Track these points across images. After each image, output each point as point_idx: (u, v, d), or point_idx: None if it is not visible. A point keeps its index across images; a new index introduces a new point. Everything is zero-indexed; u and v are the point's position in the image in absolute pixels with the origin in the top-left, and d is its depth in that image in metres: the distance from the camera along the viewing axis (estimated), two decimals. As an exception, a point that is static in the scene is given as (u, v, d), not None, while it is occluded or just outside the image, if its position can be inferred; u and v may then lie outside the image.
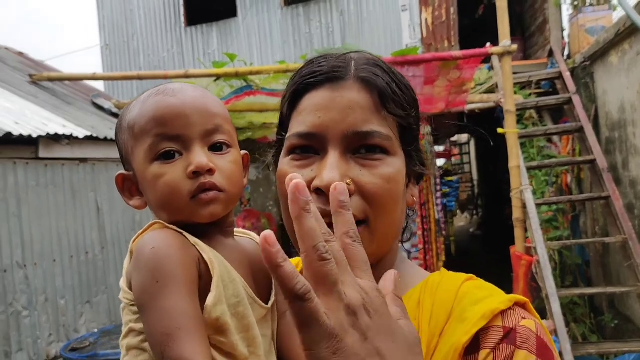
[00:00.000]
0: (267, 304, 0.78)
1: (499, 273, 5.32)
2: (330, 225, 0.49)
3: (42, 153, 4.52)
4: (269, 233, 0.44)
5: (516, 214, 4.32)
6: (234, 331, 0.71)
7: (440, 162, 10.72)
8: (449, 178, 9.13)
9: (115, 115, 6.32)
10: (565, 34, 6.86)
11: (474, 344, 0.67)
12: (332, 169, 0.70)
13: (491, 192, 11.89)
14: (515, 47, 4.23)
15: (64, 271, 4.77)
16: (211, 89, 4.68)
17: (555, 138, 6.03)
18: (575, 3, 6.46)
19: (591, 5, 6.31)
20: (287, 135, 0.77)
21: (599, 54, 5.32)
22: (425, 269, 4.50)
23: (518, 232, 4.32)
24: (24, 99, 5.45)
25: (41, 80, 6.13)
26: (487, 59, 5.30)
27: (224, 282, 0.72)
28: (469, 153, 15.31)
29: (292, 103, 0.78)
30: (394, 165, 0.74)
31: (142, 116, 0.78)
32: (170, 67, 8.93)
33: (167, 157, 0.76)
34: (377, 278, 0.76)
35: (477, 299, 0.71)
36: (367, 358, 0.43)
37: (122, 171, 0.84)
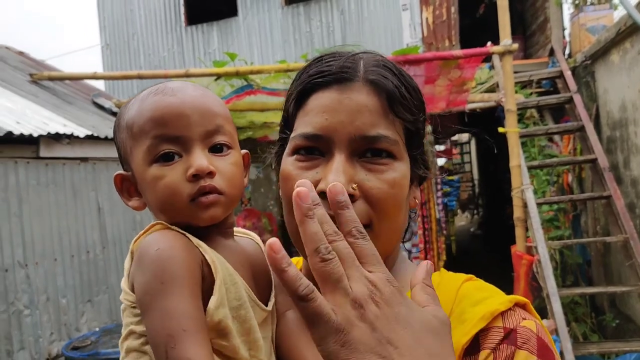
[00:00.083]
0: (267, 305, 0.78)
1: (500, 272, 5.32)
2: (333, 219, 0.55)
3: (43, 152, 4.53)
4: (273, 241, 0.47)
5: (517, 213, 4.32)
6: (236, 334, 0.70)
7: (441, 161, 10.71)
8: (450, 177, 9.13)
9: (115, 114, 6.32)
10: (566, 32, 6.85)
11: (474, 345, 0.67)
12: (337, 173, 0.69)
13: (492, 192, 11.89)
14: (516, 46, 4.22)
15: (65, 270, 4.78)
16: (212, 88, 4.68)
17: (556, 137, 6.03)
18: (577, 2, 6.45)
19: (592, 4, 6.30)
20: (292, 135, 0.76)
21: (600, 53, 5.32)
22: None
23: (519, 232, 4.32)
24: (24, 98, 5.45)
25: (42, 80, 6.13)
26: (487, 58, 5.29)
27: (226, 285, 0.71)
28: (469, 152, 15.30)
29: (298, 102, 0.77)
30: (400, 170, 0.73)
31: (141, 116, 0.76)
32: (171, 67, 8.94)
33: (166, 158, 0.75)
34: None
35: (477, 300, 0.71)
36: (377, 347, 0.45)
37: (121, 171, 0.83)
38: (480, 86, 5.84)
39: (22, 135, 4.14)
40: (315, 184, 0.71)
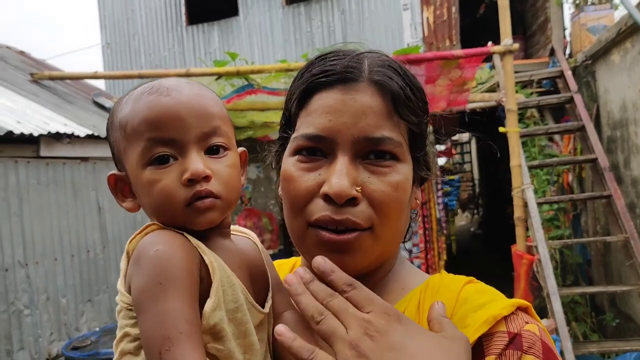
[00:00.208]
0: (264, 307, 0.77)
1: (500, 272, 5.32)
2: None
3: (44, 152, 4.53)
4: (280, 330, 0.59)
5: (517, 212, 4.32)
6: (231, 337, 0.69)
7: (442, 161, 10.71)
8: (450, 177, 9.13)
9: (116, 114, 6.31)
10: (567, 32, 6.85)
11: (478, 351, 0.66)
12: (341, 176, 0.68)
13: (492, 191, 11.89)
14: (516, 46, 4.22)
15: (65, 270, 4.78)
16: (212, 88, 4.68)
17: (557, 137, 6.03)
18: (577, 2, 6.45)
19: (593, 4, 6.30)
20: (294, 135, 0.75)
21: (601, 53, 5.32)
22: (427, 268, 4.49)
23: (519, 231, 4.32)
24: (25, 97, 5.45)
25: (42, 79, 6.14)
26: (488, 57, 5.29)
27: (223, 287, 0.70)
28: (470, 152, 15.30)
29: (301, 101, 0.75)
30: (403, 172, 0.73)
31: (135, 116, 0.74)
32: (172, 66, 8.94)
33: (161, 161, 0.72)
34: (378, 282, 0.79)
35: (479, 304, 0.70)
36: None
37: (115, 171, 0.81)
38: (481, 86, 5.85)
39: (22, 134, 4.14)
40: (319, 186, 0.71)
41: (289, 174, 0.74)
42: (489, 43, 4.92)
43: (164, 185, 0.72)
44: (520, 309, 0.71)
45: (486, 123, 5.63)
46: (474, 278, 0.78)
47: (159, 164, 0.72)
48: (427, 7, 7.62)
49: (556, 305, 3.94)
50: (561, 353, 3.73)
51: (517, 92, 5.19)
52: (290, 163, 0.75)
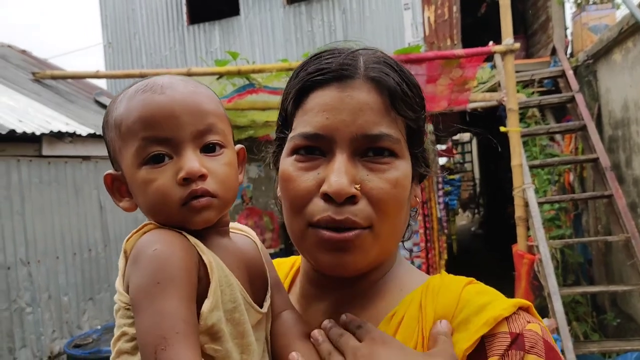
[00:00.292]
0: (262, 306, 0.76)
1: (501, 272, 5.32)
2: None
3: (46, 151, 4.54)
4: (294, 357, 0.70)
5: (518, 212, 4.32)
6: (229, 338, 0.69)
7: (443, 160, 10.70)
8: (451, 176, 9.13)
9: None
10: (568, 32, 6.84)
11: (480, 352, 0.66)
12: (340, 174, 0.68)
13: (493, 191, 11.88)
14: (517, 45, 4.22)
15: (67, 268, 4.79)
16: (214, 87, 4.69)
17: (558, 136, 6.03)
18: (579, 1, 6.44)
19: (594, 3, 6.29)
20: (291, 134, 0.75)
21: (602, 52, 5.31)
22: (427, 267, 4.47)
23: (520, 231, 4.32)
24: (27, 96, 5.47)
25: (44, 78, 6.15)
26: (489, 57, 5.29)
27: (221, 287, 0.69)
28: (471, 152, 15.29)
29: (297, 100, 0.75)
30: (401, 169, 0.72)
31: (129, 115, 0.73)
32: (173, 66, 8.94)
33: (156, 160, 0.72)
34: (376, 283, 0.80)
35: (480, 305, 0.69)
36: None
37: (111, 171, 0.80)
38: (482, 85, 5.84)
39: (24, 133, 4.15)
40: (318, 185, 0.70)
41: (288, 174, 0.73)
42: (490, 42, 4.92)
43: (159, 185, 0.71)
44: (522, 308, 0.71)
45: (487, 123, 5.63)
46: (474, 279, 0.78)
47: (154, 163, 0.72)
48: (428, 6, 7.61)
49: (557, 305, 3.94)
50: (562, 353, 3.72)
51: (518, 91, 5.19)
52: (288, 163, 0.74)
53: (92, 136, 5.00)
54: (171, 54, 9.19)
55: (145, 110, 0.72)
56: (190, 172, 0.70)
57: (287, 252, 7.14)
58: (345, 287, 0.79)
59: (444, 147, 9.57)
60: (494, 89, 5.74)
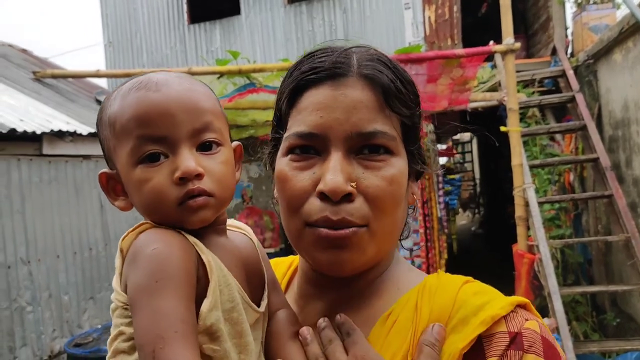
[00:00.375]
0: (259, 306, 0.76)
1: (501, 271, 5.32)
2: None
3: (46, 150, 4.54)
4: None
5: (518, 212, 4.32)
6: (227, 337, 0.68)
7: (443, 160, 10.72)
8: (451, 176, 9.13)
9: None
10: (569, 32, 6.84)
11: (479, 352, 0.66)
12: (335, 172, 0.68)
13: (493, 191, 11.89)
14: (518, 45, 4.22)
15: (67, 267, 4.80)
16: (214, 86, 4.69)
17: (558, 136, 6.02)
18: (579, 1, 6.44)
19: (595, 3, 6.29)
20: (286, 134, 0.74)
21: (603, 52, 5.31)
22: (428, 267, 4.47)
23: (520, 230, 4.32)
24: (27, 95, 5.47)
25: (45, 77, 6.15)
26: (490, 57, 5.29)
27: (219, 287, 0.69)
28: (471, 151, 15.30)
29: (291, 100, 0.75)
30: (397, 166, 0.72)
31: (123, 113, 0.72)
32: (173, 65, 8.94)
33: (152, 159, 0.70)
34: (373, 281, 0.80)
35: (478, 306, 0.69)
36: None
37: (106, 169, 0.78)
38: (483, 85, 5.84)
39: (25, 132, 4.16)
40: (314, 184, 0.70)
41: (283, 174, 0.73)
42: (491, 42, 4.92)
43: (155, 184, 0.70)
44: (520, 306, 0.70)
45: (487, 122, 5.63)
46: (471, 278, 0.77)
47: (150, 162, 0.70)
48: (429, 6, 7.61)
49: (557, 305, 3.94)
50: (562, 352, 3.74)
51: (518, 91, 5.19)
52: (283, 163, 0.74)
53: (92, 135, 5.00)
54: (172, 53, 9.19)
55: (140, 109, 0.70)
56: (186, 172, 0.69)
57: (287, 251, 7.13)
58: (343, 287, 0.78)
59: (444, 146, 9.57)
60: (494, 88, 5.74)
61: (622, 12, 5.68)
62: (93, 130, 5.05)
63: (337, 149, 0.70)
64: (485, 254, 10.41)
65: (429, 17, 7.61)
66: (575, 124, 5.36)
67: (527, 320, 0.68)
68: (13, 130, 4.03)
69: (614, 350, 4.29)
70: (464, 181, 13.77)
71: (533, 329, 0.66)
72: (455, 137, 13.21)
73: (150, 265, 0.64)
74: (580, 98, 5.44)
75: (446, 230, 6.01)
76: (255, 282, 0.78)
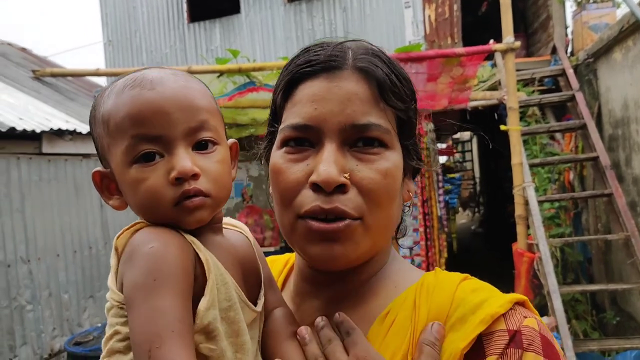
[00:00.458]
0: (256, 304, 0.75)
1: (501, 270, 5.33)
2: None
3: (46, 148, 4.54)
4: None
5: (518, 210, 4.32)
6: (224, 336, 0.68)
7: (443, 159, 10.72)
8: (451, 175, 9.13)
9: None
10: (569, 30, 6.84)
11: (479, 350, 0.65)
12: (329, 163, 0.67)
13: (493, 190, 11.89)
14: (518, 43, 4.22)
15: (67, 266, 4.80)
16: (214, 85, 4.69)
17: (558, 135, 6.03)
18: (579, 0, 6.44)
19: (595, 2, 6.29)
20: (281, 126, 0.74)
21: (603, 51, 5.31)
22: (428, 266, 4.47)
23: (520, 229, 4.33)
24: (27, 94, 5.47)
25: (44, 76, 6.15)
26: (490, 55, 5.28)
27: (217, 285, 0.68)
28: (471, 150, 15.30)
29: (286, 93, 0.75)
30: (392, 160, 0.72)
31: (117, 111, 0.70)
32: (173, 63, 8.93)
33: (147, 159, 0.69)
34: (370, 279, 0.79)
35: (476, 303, 0.68)
36: None
37: (100, 168, 0.77)
38: (483, 84, 5.84)
39: (24, 131, 4.16)
40: (307, 176, 0.70)
41: (277, 166, 0.73)
42: (491, 41, 4.92)
43: (151, 185, 0.69)
44: (518, 303, 0.70)
45: (488, 121, 5.63)
46: (469, 275, 0.77)
47: (145, 162, 0.69)
48: (429, 4, 7.61)
49: (557, 303, 3.95)
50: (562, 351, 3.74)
51: (518, 90, 5.18)
52: (278, 156, 0.74)
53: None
54: (172, 52, 9.18)
55: (135, 107, 0.69)
56: (182, 172, 0.68)
57: (286, 250, 7.08)
58: (339, 284, 0.78)
59: (444, 145, 9.57)
60: (494, 87, 5.74)
61: (622, 11, 5.68)
62: (93, 129, 5.05)
63: (331, 140, 0.70)
64: (485, 252, 10.42)
65: (429, 16, 7.60)
66: (575, 122, 5.36)
67: (525, 317, 0.67)
68: (12, 129, 4.02)
69: (614, 349, 4.30)
70: (464, 180, 13.77)
71: (532, 326, 0.66)
72: (455, 136, 13.22)
73: (148, 264, 0.63)
74: (580, 97, 5.44)
75: (446, 229, 6.01)
76: (252, 280, 0.77)
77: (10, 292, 4.19)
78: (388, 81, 0.72)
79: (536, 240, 4.26)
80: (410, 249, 4.97)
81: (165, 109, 0.69)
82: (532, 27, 8.19)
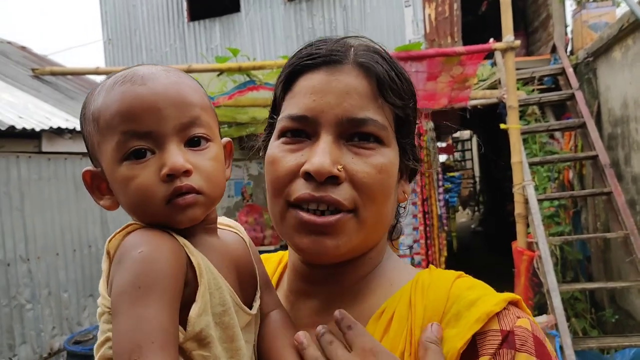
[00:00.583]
0: (251, 307, 0.74)
1: (501, 268, 5.34)
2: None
3: (45, 147, 4.54)
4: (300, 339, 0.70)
5: (518, 209, 4.33)
6: (217, 342, 0.66)
7: (443, 157, 10.73)
8: (451, 174, 9.13)
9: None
10: (569, 29, 6.84)
11: (472, 349, 0.66)
12: (323, 154, 0.68)
13: (493, 189, 11.90)
14: (518, 42, 4.22)
15: (67, 265, 4.80)
16: (214, 84, 4.69)
17: (558, 134, 6.03)
18: (579, -1, 6.44)
19: (594, 1, 6.29)
20: (280, 117, 0.75)
21: (602, 50, 5.31)
22: (427, 264, 4.47)
23: (520, 228, 4.33)
24: (26, 93, 5.47)
25: (44, 75, 6.14)
26: (490, 54, 5.28)
27: (210, 290, 0.66)
28: (471, 149, 15.30)
29: (286, 84, 0.75)
30: (387, 156, 0.72)
31: (107, 108, 0.68)
32: (173, 62, 8.93)
33: (137, 155, 0.67)
34: (366, 276, 0.79)
35: (470, 300, 0.68)
36: None
37: (90, 167, 0.75)
38: (482, 83, 5.84)
39: (24, 129, 4.16)
40: (300, 166, 0.70)
41: (273, 156, 0.73)
42: (491, 40, 4.91)
43: (142, 182, 0.67)
44: (512, 303, 0.70)
45: (487, 120, 5.63)
46: (462, 272, 0.77)
47: (136, 159, 0.67)
48: (429, 3, 7.61)
49: (556, 302, 3.95)
50: (561, 349, 3.75)
51: (518, 89, 5.19)
52: (274, 146, 0.74)
53: (92, 132, 5.00)
54: (171, 51, 9.18)
55: (125, 103, 0.67)
56: (173, 168, 0.66)
57: (287, 249, 7.12)
58: (335, 282, 0.77)
59: (444, 144, 9.57)
60: (494, 86, 5.74)
61: (621, 10, 5.68)
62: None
63: (328, 133, 0.70)
64: (484, 251, 10.43)
65: (429, 15, 7.60)
66: (574, 121, 5.36)
67: (518, 318, 0.68)
68: (12, 128, 4.02)
69: (613, 347, 4.31)
70: (464, 179, 13.77)
71: (525, 327, 0.66)
72: (455, 135, 13.22)
73: (134, 270, 0.62)
74: (579, 96, 5.45)
75: (446, 228, 6.02)
76: (247, 282, 0.76)
77: (10, 291, 4.19)
78: (387, 78, 0.72)
79: (536, 238, 4.26)
80: (410, 247, 4.97)
81: (156, 105, 0.67)
82: (532, 26, 8.19)
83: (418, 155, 0.81)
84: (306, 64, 0.73)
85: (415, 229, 5.00)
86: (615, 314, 5.16)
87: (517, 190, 4.33)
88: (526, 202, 4.31)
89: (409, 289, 0.74)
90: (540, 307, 4.72)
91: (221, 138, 0.79)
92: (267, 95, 4.99)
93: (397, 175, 0.75)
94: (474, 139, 14.46)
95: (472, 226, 14.26)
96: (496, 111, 5.45)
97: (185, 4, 9.12)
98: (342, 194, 0.69)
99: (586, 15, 6.13)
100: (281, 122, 0.74)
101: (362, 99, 0.70)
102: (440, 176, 5.72)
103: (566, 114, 5.88)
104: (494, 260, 8.01)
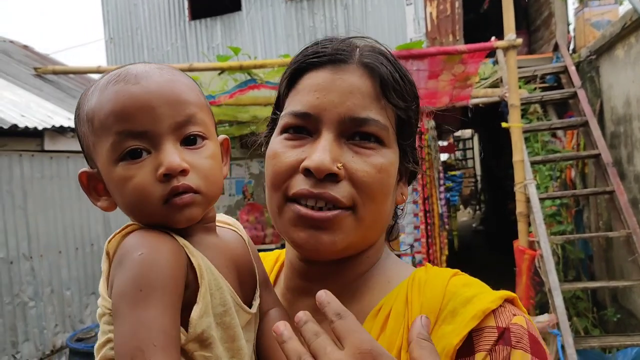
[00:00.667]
0: (251, 305, 0.74)
1: (502, 267, 5.33)
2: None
3: (48, 145, 4.55)
4: (279, 329, 0.58)
5: (520, 208, 4.32)
6: (219, 343, 0.66)
7: (444, 156, 10.71)
8: (453, 172, 9.13)
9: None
10: (571, 27, 6.82)
11: (468, 346, 0.66)
12: (323, 151, 0.68)
13: (494, 187, 11.88)
14: (520, 41, 4.21)
15: (69, 263, 4.81)
16: (215, 83, 4.69)
17: (560, 132, 6.02)
18: (581, -3, 6.42)
19: (597, -1, 6.28)
20: (282, 113, 0.75)
21: (605, 48, 5.30)
22: (428, 262, 4.48)
23: (521, 226, 4.32)
24: (29, 91, 5.48)
25: (46, 73, 6.15)
26: (491, 53, 5.28)
27: (210, 291, 0.66)
28: (472, 148, 15.29)
29: (291, 81, 0.76)
30: (387, 157, 0.72)
31: (101, 108, 0.68)
32: (174, 61, 8.94)
33: (133, 156, 0.67)
34: (364, 274, 0.79)
35: (467, 298, 0.69)
36: None
37: (86, 168, 0.75)
38: (484, 81, 5.83)
39: (26, 128, 4.16)
40: (300, 162, 0.70)
41: (274, 151, 0.74)
42: (493, 38, 4.91)
43: (138, 182, 0.66)
44: (507, 300, 0.70)
45: (489, 119, 5.62)
46: (458, 270, 0.78)
47: (131, 159, 0.67)
48: (431, 2, 7.60)
49: (558, 301, 3.95)
50: (562, 348, 3.75)
51: (520, 87, 5.18)
52: (276, 141, 0.75)
53: (94, 131, 5.01)
54: (173, 50, 9.19)
55: (119, 102, 0.67)
56: (170, 167, 0.65)
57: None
58: (332, 279, 0.78)
59: (445, 143, 9.56)
60: (496, 84, 5.73)
61: (624, 8, 5.66)
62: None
63: (329, 130, 0.71)
64: (486, 250, 10.42)
65: (431, 13, 7.59)
66: (577, 120, 5.35)
67: (514, 315, 0.68)
68: (14, 126, 4.03)
69: (615, 346, 4.31)
70: (465, 178, 13.76)
71: (520, 324, 0.67)
72: (456, 134, 13.21)
73: (135, 272, 0.61)
74: (582, 94, 5.43)
75: (447, 227, 6.02)
76: (247, 281, 0.76)
77: (13, 289, 4.20)
78: (391, 79, 0.72)
79: (537, 237, 4.26)
80: (411, 246, 4.97)
81: (150, 103, 0.67)
82: (534, 24, 8.17)
83: (418, 158, 0.82)
84: (311, 61, 0.74)
85: (416, 227, 5.00)
86: (617, 313, 5.15)
87: (518, 189, 4.33)
88: (528, 200, 4.31)
89: (406, 287, 0.75)
90: (542, 306, 4.72)
91: (217, 136, 0.78)
92: (268, 93, 4.99)
93: (396, 176, 0.76)
94: (476, 138, 14.45)
95: (474, 225, 14.24)
96: (498, 110, 5.44)
97: (186, 3, 9.12)
98: (341, 191, 0.69)
99: (589, 13, 6.12)
100: (284, 118, 0.74)
101: (365, 98, 0.71)
102: (441, 175, 5.72)
103: (568, 112, 5.87)
104: (495, 259, 8.01)
